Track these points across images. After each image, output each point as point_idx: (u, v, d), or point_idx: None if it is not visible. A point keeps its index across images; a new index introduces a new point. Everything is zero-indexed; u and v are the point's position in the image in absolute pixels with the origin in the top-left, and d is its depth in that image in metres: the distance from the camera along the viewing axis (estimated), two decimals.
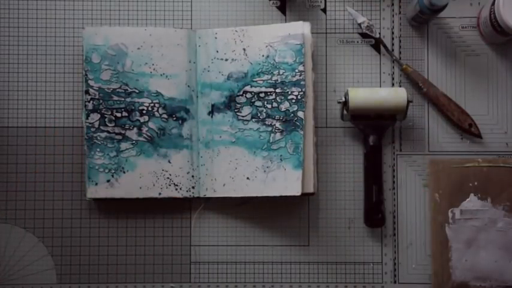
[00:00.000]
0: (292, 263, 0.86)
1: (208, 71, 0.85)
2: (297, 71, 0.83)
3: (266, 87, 0.84)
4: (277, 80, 0.83)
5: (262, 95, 0.84)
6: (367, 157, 0.85)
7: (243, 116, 0.84)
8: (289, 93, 0.83)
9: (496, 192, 0.85)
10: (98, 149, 0.83)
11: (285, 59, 0.83)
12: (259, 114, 0.84)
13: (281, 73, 0.83)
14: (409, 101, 0.82)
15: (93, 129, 0.83)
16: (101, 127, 0.83)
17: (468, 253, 0.84)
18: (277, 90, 0.83)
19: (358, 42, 0.88)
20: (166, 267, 0.87)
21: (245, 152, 0.84)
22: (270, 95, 0.83)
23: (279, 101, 0.83)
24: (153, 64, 0.84)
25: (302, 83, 0.83)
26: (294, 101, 0.83)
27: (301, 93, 0.83)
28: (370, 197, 0.84)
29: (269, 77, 0.84)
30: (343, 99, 0.84)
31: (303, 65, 0.83)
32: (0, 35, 0.88)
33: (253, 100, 0.84)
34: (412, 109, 0.87)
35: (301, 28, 0.84)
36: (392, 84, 0.88)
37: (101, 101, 0.84)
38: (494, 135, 0.87)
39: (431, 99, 0.86)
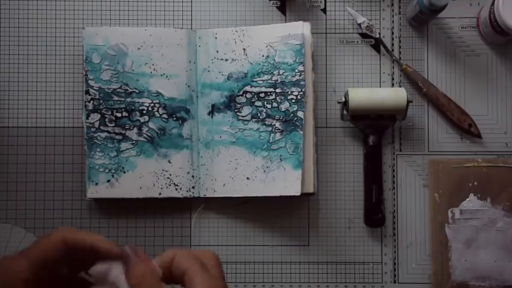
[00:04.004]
0: (292, 263, 0.86)
1: (209, 71, 0.85)
2: (296, 71, 0.83)
3: (266, 87, 0.84)
4: (277, 80, 0.83)
5: (262, 95, 0.84)
6: (367, 157, 0.85)
7: (243, 116, 0.84)
8: (289, 93, 0.83)
9: (495, 192, 0.85)
10: (98, 149, 0.83)
11: (285, 59, 0.83)
12: (259, 114, 0.84)
13: (281, 73, 0.83)
14: (409, 101, 0.82)
15: (93, 129, 0.83)
16: (101, 127, 0.84)
17: (468, 253, 0.84)
18: (277, 90, 0.83)
19: (358, 42, 0.88)
20: None
21: (245, 152, 0.84)
22: (270, 95, 0.83)
23: (279, 101, 0.83)
24: (153, 64, 0.84)
25: (302, 83, 0.83)
26: (293, 101, 0.83)
27: (301, 93, 0.83)
28: (370, 197, 0.84)
29: (269, 77, 0.84)
30: (343, 99, 0.84)
31: (303, 65, 0.83)
32: (0, 35, 0.88)
33: (253, 100, 0.84)
34: (412, 109, 0.87)
35: (301, 28, 0.84)
36: (392, 85, 0.88)
37: (101, 101, 0.84)
38: (494, 135, 0.87)
39: (431, 99, 0.86)
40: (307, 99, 0.83)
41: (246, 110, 0.84)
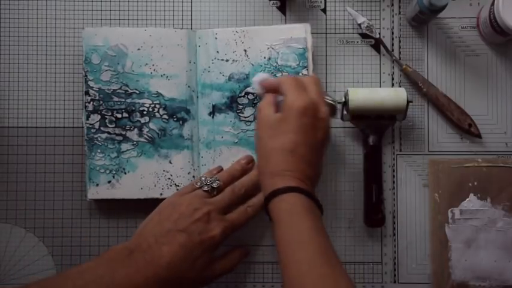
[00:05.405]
0: None
1: (209, 71, 0.85)
2: (300, 74, 0.83)
3: None
4: None
5: None
6: (367, 157, 0.85)
7: (245, 117, 0.84)
8: None
9: (495, 192, 0.85)
10: (99, 150, 0.83)
11: (288, 62, 0.84)
12: None
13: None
14: (409, 101, 0.82)
15: (93, 130, 0.83)
16: (102, 128, 0.83)
17: (468, 253, 0.84)
18: None
19: (358, 42, 0.88)
20: None
21: (248, 152, 0.84)
22: None
23: None
24: (153, 65, 0.84)
25: None
26: None
27: None
28: (370, 197, 0.84)
29: None
30: (343, 99, 0.84)
31: (307, 70, 0.83)
32: (0, 35, 0.87)
33: (255, 101, 0.84)
34: (412, 109, 0.87)
35: (303, 32, 0.84)
36: (392, 85, 0.88)
37: (101, 102, 0.84)
38: (494, 135, 0.87)
39: (431, 99, 0.87)
40: None
41: (249, 111, 0.84)
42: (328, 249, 0.68)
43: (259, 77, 0.82)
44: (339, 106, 0.82)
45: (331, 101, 0.79)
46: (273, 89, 0.79)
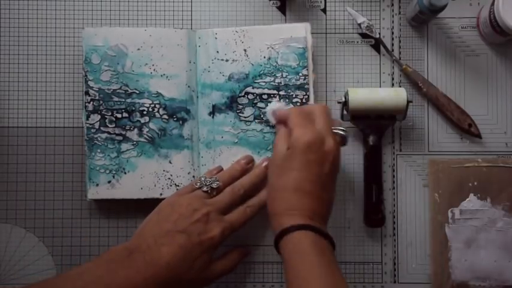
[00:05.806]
0: None
1: (209, 71, 0.85)
2: (300, 74, 0.83)
3: (269, 89, 0.84)
4: (280, 82, 0.83)
5: (265, 96, 0.84)
6: (367, 157, 0.85)
7: (245, 117, 0.84)
8: (294, 96, 0.83)
9: (495, 192, 0.85)
10: (99, 150, 0.83)
11: (288, 62, 0.84)
12: (262, 116, 0.84)
13: (284, 76, 0.83)
14: (408, 101, 0.82)
15: (93, 130, 0.83)
16: (102, 128, 0.83)
17: (468, 253, 0.84)
18: (281, 93, 0.83)
19: (358, 42, 0.88)
20: None
21: (249, 152, 0.84)
22: (274, 97, 0.83)
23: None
24: (153, 65, 0.84)
25: (306, 86, 0.83)
26: (298, 104, 0.83)
27: (306, 96, 0.83)
28: (370, 197, 0.84)
29: (272, 79, 0.84)
30: (343, 99, 0.84)
31: (307, 69, 0.83)
32: (0, 35, 0.87)
33: (255, 101, 0.84)
34: (412, 109, 0.87)
35: (303, 31, 0.84)
36: (392, 85, 0.88)
37: (101, 102, 0.83)
38: (494, 135, 0.87)
39: (431, 99, 0.87)
40: (309, 101, 0.83)
41: (248, 111, 0.84)
42: (334, 285, 0.67)
43: (272, 107, 0.83)
44: (350, 135, 0.81)
45: (340, 130, 0.78)
46: (284, 121, 0.78)
